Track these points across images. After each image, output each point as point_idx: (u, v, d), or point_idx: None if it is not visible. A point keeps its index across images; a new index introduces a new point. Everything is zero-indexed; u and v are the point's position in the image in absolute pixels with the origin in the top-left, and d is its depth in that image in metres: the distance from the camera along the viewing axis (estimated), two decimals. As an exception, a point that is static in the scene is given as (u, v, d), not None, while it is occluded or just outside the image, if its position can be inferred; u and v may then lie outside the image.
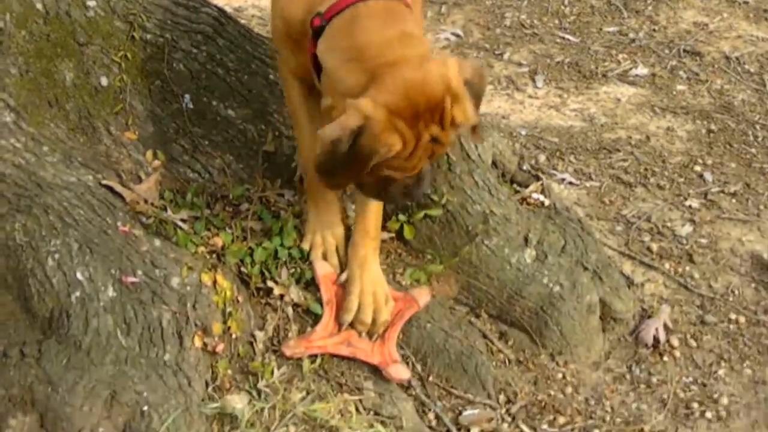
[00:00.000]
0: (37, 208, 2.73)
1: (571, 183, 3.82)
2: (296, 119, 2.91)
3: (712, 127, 4.21)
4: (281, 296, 2.89)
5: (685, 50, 4.82)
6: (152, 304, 2.68)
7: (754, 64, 4.72)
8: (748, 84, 4.55)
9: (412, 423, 2.77)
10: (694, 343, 3.18)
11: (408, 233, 3.10)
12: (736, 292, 3.36)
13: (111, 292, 2.67)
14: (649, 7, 5.21)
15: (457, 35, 4.92)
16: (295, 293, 2.90)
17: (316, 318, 2.87)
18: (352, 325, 2.87)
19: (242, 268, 2.89)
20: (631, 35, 4.96)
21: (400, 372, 2.84)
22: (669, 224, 3.62)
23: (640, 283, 3.34)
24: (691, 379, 3.08)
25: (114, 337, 2.62)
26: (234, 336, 2.76)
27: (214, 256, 2.87)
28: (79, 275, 2.67)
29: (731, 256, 3.50)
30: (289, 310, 2.88)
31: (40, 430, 2.54)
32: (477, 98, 2.53)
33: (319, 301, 2.89)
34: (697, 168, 3.94)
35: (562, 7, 5.21)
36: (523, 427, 2.90)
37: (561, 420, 2.93)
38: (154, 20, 3.12)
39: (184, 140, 3.09)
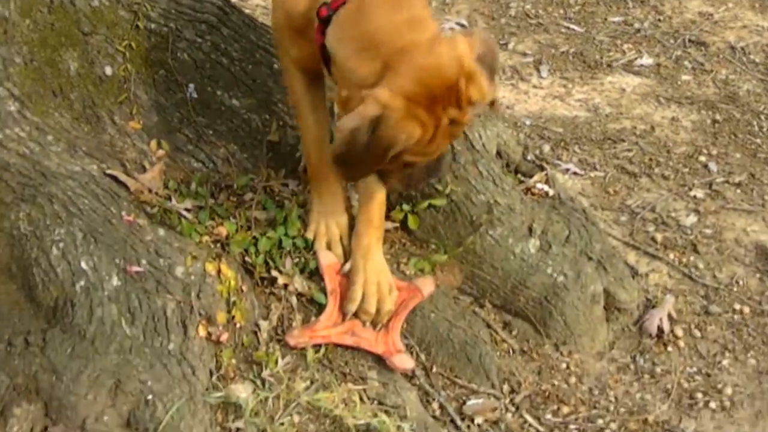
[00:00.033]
0: (42, 198, 2.73)
1: (575, 173, 3.82)
2: (299, 109, 2.91)
3: (717, 117, 4.21)
4: (285, 286, 2.89)
5: (690, 40, 4.81)
6: (156, 294, 2.68)
7: (759, 54, 4.71)
8: (754, 74, 4.54)
9: (416, 412, 2.78)
10: (698, 334, 3.18)
11: (412, 223, 3.10)
12: (741, 282, 3.36)
13: (115, 281, 2.67)
14: (654, -3, 5.20)
15: (462, 25, 4.91)
16: (300, 283, 2.90)
17: (320, 308, 2.88)
18: (356, 314, 2.87)
19: (246, 258, 2.89)
20: (636, 25, 4.95)
21: (404, 362, 2.84)
22: (673, 214, 3.62)
23: (645, 274, 3.34)
24: (695, 369, 3.08)
25: (118, 326, 2.63)
26: (238, 325, 2.76)
27: (219, 245, 2.88)
28: (83, 264, 2.67)
29: (736, 247, 3.49)
30: (293, 299, 2.89)
31: (44, 418, 2.55)
32: (491, 71, 2.52)
33: (323, 290, 2.89)
34: (702, 158, 3.94)
35: (567, -3, 5.20)
36: (527, 416, 2.90)
37: (565, 410, 2.93)
38: (158, 9, 3.12)
39: (188, 130, 3.09)
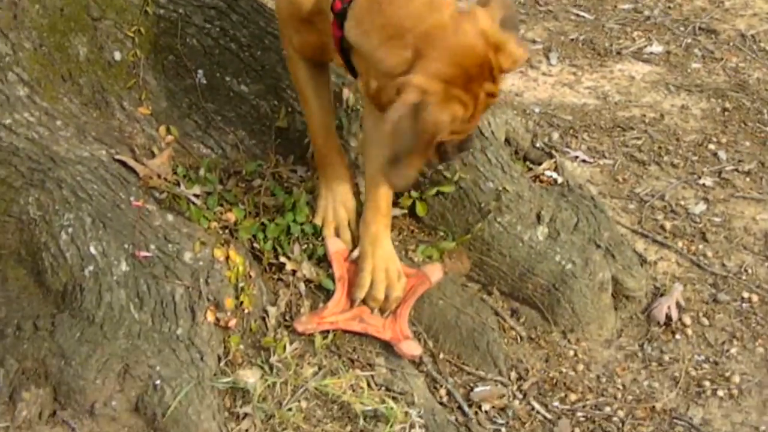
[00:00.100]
0: (51, 183, 2.74)
1: (584, 161, 3.81)
2: (304, 97, 2.91)
3: (727, 105, 4.19)
4: (293, 272, 2.89)
5: (700, 28, 4.79)
6: (165, 279, 2.68)
7: (769, 43, 4.69)
8: (764, 62, 4.52)
9: (424, 399, 2.78)
10: (706, 322, 3.18)
11: (420, 210, 3.10)
12: (749, 270, 3.35)
13: (124, 267, 2.67)
14: (665, -15, 5.18)
15: None
16: (308, 269, 2.90)
17: (328, 294, 2.88)
18: (364, 301, 2.87)
19: (255, 244, 2.90)
20: (646, 12, 4.93)
21: (412, 348, 2.85)
22: (682, 202, 3.61)
23: (653, 262, 3.34)
24: (703, 357, 3.08)
25: (127, 311, 2.64)
26: (246, 311, 2.77)
27: (227, 231, 2.88)
28: (92, 249, 2.68)
29: (744, 235, 3.49)
30: (302, 285, 2.89)
31: (53, 402, 2.56)
32: (515, 30, 2.54)
33: (331, 277, 2.89)
34: (711, 146, 3.93)
35: (577, -16, 5.18)
36: (535, 403, 2.91)
37: (572, 397, 2.94)
38: (167, -5, 3.12)
39: (197, 115, 3.09)
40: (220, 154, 3.06)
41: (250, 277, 2.81)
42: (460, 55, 2.42)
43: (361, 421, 2.69)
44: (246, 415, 2.65)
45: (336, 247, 2.93)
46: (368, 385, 2.76)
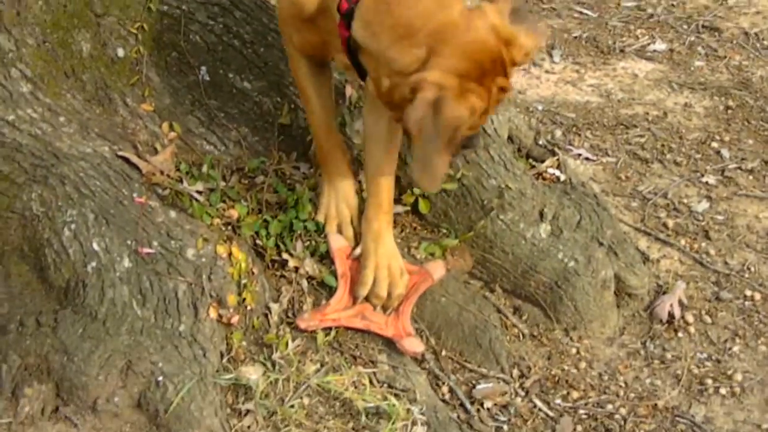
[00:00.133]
0: (54, 179, 2.74)
1: (587, 158, 3.81)
2: (305, 94, 2.90)
3: (730, 103, 4.19)
4: (296, 269, 2.90)
5: (703, 26, 4.78)
6: (168, 276, 2.69)
7: (773, 41, 4.69)
8: (767, 60, 4.52)
9: (426, 396, 2.78)
10: (708, 320, 3.17)
11: (423, 207, 3.10)
12: (752, 268, 3.35)
13: (127, 263, 2.68)
14: (668, -18, 5.18)
15: (474, 9, 4.89)
16: (310, 266, 2.90)
17: (331, 291, 2.88)
18: (367, 298, 2.87)
19: (257, 241, 2.90)
20: (650, 10, 4.93)
21: (414, 345, 2.85)
22: (685, 200, 3.61)
23: (656, 259, 3.34)
24: (705, 355, 3.08)
25: (129, 307, 2.64)
26: (249, 308, 2.77)
27: (230, 228, 2.88)
28: (95, 246, 2.68)
29: (747, 233, 3.48)
30: (304, 282, 2.89)
31: (55, 398, 2.56)
32: (530, 19, 2.56)
33: (334, 274, 2.89)
34: (714, 144, 3.92)
35: (580, -18, 5.18)
36: (537, 401, 2.91)
37: (574, 395, 2.94)
38: (170, -9, 3.12)
39: (200, 112, 3.09)
40: (223, 150, 3.06)
41: (253, 273, 2.81)
42: (473, 50, 2.43)
43: (363, 418, 2.69)
44: (248, 411, 2.65)
45: (338, 244, 2.93)
46: (370, 382, 2.76)
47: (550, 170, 3.37)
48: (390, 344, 2.85)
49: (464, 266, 3.10)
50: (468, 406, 2.84)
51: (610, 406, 2.92)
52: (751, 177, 3.75)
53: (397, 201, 3.04)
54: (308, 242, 2.94)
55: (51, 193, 2.72)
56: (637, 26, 4.79)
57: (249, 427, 2.63)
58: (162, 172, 2.91)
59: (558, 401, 2.92)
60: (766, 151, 3.90)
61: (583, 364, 3.02)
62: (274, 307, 2.82)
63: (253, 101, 3.12)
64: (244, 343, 2.75)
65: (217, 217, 2.87)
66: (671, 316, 3.14)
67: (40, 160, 2.77)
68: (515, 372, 2.97)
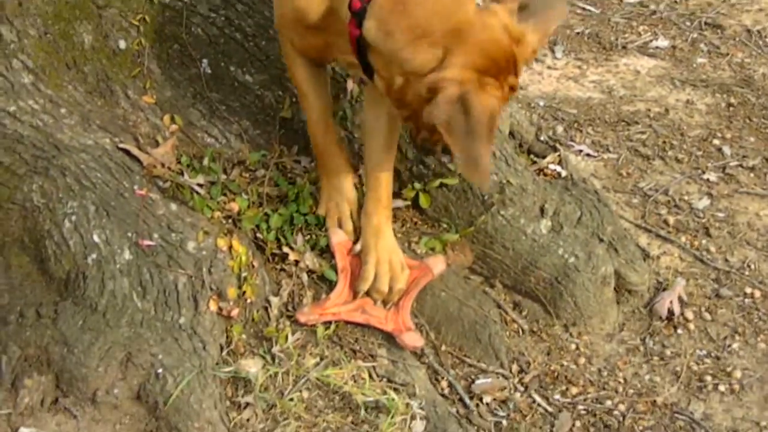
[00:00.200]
0: (55, 170, 2.74)
1: (588, 155, 3.81)
2: (301, 91, 2.90)
3: (732, 100, 4.19)
4: (296, 262, 2.90)
5: (706, 23, 4.78)
6: (168, 268, 2.69)
7: (775, 38, 4.68)
8: (769, 58, 4.52)
9: (425, 390, 2.78)
10: (708, 317, 3.17)
11: (424, 202, 3.10)
12: (752, 266, 3.35)
13: (127, 255, 2.68)
14: (671, -21, 5.17)
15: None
16: (310, 259, 2.90)
17: (331, 285, 2.88)
18: (367, 293, 2.87)
19: (258, 234, 2.90)
20: (652, 7, 4.92)
21: (414, 339, 2.85)
22: (686, 197, 3.61)
23: (656, 256, 3.34)
24: (704, 352, 3.08)
25: (130, 299, 2.64)
26: (249, 301, 2.77)
27: (230, 221, 2.88)
28: (95, 237, 2.68)
29: (748, 230, 3.48)
30: (304, 276, 2.89)
31: (55, 390, 2.56)
32: (539, 12, 2.56)
33: (334, 268, 2.89)
34: (716, 141, 3.92)
35: (583, -22, 5.17)
36: (536, 396, 2.91)
37: (573, 390, 2.94)
38: (172, -16, 3.12)
39: (201, 105, 3.09)
40: (224, 143, 3.06)
41: (253, 267, 2.81)
42: (490, 49, 2.45)
43: (363, 412, 2.69)
44: (247, 404, 2.65)
45: (339, 238, 2.93)
46: (370, 376, 2.77)
47: (552, 166, 3.37)
48: (390, 338, 2.85)
49: (464, 261, 3.10)
50: (467, 400, 2.84)
51: (609, 402, 2.92)
52: (752, 174, 3.75)
53: (398, 195, 3.04)
54: (309, 236, 2.94)
55: (52, 185, 2.72)
56: (639, 23, 4.78)
57: (248, 419, 2.63)
58: (163, 165, 2.91)
59: (557, 397, 2.92)
60: (768, 149, 3.90)
61: (582, 360, 3.03)
62: (274, 300, 2.82)
63: (254, 94, 3.12)
64: (243, 336, 2.75)
65: (217, 210, 2.87)
66: (671, 312, 3.14)
67: (41, 151, 2.77)
68: (514, 367, 2.97)
